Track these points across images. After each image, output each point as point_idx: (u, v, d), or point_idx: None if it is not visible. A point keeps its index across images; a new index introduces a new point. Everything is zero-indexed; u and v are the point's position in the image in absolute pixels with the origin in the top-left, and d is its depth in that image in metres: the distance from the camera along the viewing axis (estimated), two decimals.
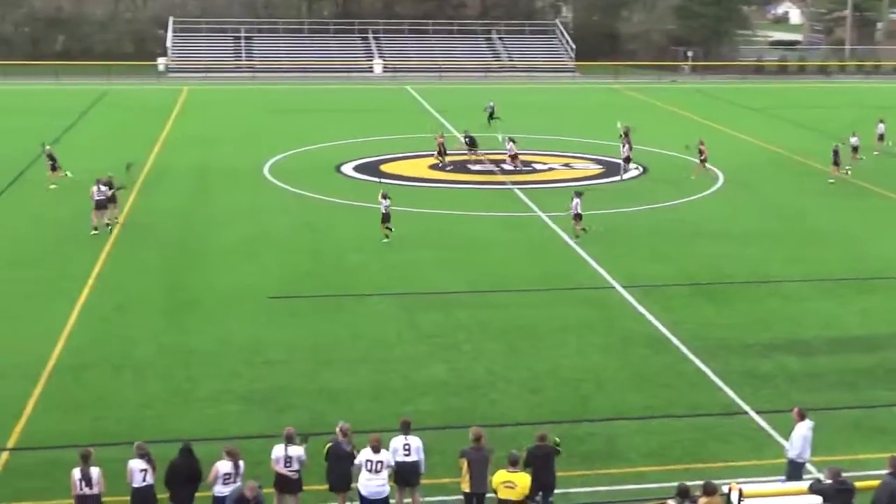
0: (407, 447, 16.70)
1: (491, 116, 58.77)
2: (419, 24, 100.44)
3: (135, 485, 15.84)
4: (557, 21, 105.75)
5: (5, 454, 19.08)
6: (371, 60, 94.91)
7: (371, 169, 46.32)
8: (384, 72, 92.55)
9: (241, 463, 16.07)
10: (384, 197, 33.63)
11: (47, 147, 42.63)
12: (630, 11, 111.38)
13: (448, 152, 47.42)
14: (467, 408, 21.34)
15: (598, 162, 47.86)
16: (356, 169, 46.54)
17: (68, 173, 41.00)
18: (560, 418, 20.79)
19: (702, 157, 44.03)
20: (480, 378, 22.91)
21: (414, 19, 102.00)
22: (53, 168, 41.55)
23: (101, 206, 34.42)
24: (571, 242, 33.87)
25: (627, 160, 44.73)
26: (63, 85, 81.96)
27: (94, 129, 58.58)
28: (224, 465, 15.99)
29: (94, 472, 15.72)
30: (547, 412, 21.13)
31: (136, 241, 33.77)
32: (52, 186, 41.06)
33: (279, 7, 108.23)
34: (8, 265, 31.15)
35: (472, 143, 48.45)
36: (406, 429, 16.88)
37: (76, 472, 15.71)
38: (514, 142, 46.76)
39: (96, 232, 34.24)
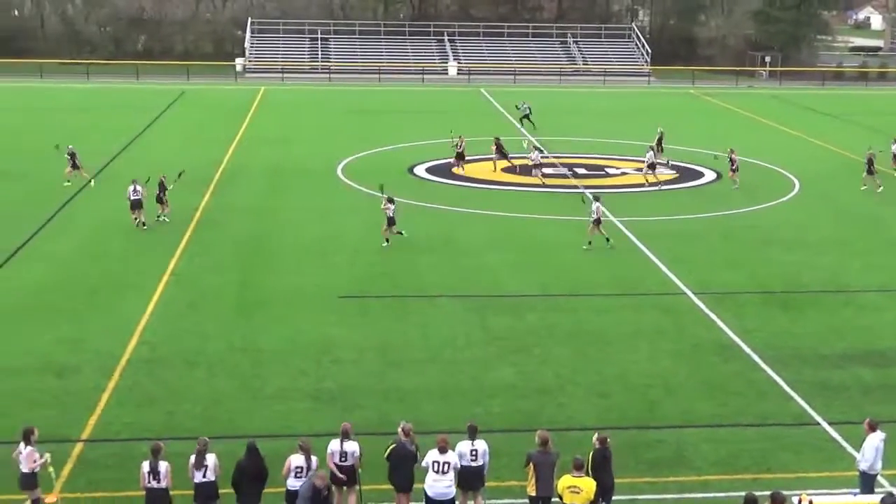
0: (474, 452, 16.68)
1: (526, 117, 58.48)
2: (495, 27, 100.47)
3: (195, 480, 16.11)
4: (633, 25, 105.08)
5: (80, 445, 19.45)
6: (446, 62, 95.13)
7: (443, 171, 46.42)
8: (459, 74, 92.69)
9: (314, 458, 16.23)
10: (389, 201, 33.28)
11: (70, 147, 42.91)
12: (707, 16, 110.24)
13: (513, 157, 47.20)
14: (535, 411, 21.30)
15: (672, 167, 47.44)
16: (429, 171, 46.67)
17: (92, 182, 41.62)
18: (628, 424, 20.68)
19: (732, 167, 43.28)
20: (549, 382, 22.85)
21: (489, 22, 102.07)
22: (74, 166, 42.16)
23: (135, 205, 35.20)
24: (641, 246, 33.65)
25: (653, 167, 43.98)
26: (143, 84, 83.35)
27: (172, 128, 59.46)
28: (296, 459, 16.18)
29: (163, 465, 15.99)
30: (615, 417, 21.02)
31: (210, 239, 34.24)
32: (67, 184, 41.67)
33: (356, 9, 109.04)
34: (86, 259, 31.76)
35: (499, 150, 46.73)
36: (473, 433, 16.85)
37: (145, 466, 15.99)
38: (540, 150, 45.36)
39: (144, 227, 35.21)
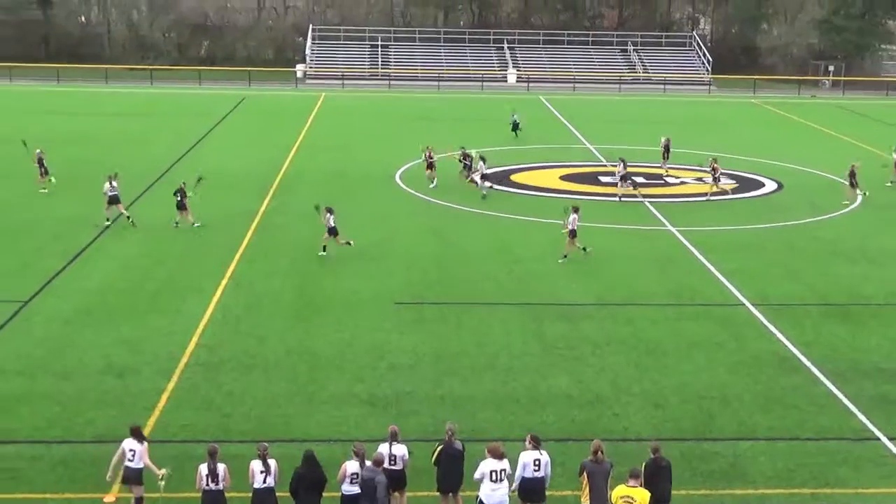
0: (537, 462, 16.57)
1: (515, 127, 58.09)
2: (554, 35, 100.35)
3: (255, 486, 16.20)
4: (694, 33, 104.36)
5: None
6: (505, 70, 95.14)
7: (499, 178, 46.37)
8: (518, 81, 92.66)
9: (369, 463, 16.27)
10: (329, 212, 32.93)
11: (38, 151, 42.72)
12: (770, 24, 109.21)
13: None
14: (590, 421, 21.21)
15: (732, 176, 47.03)
16: (484, 178, 46.56)
17: (52, 179, 41.81)
18: (684, 435, 20.51)
19: (715, 176, 42.78)
20: (604, 391, 22.74)
21: (549, 30, 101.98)
22: (45, 172, 42.08)
23: (112, 201, 36.34)
24: (700, 257, 33.40)
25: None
26: (205, 89, 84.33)
27: (233, 133, 60.08)
28: (352, 465, 16.23)
29: (221, 468, 16.12)
30: (670, 428, 20.87)
31: (269, 243, 34.53)
32: (43, 191, 41.70)
33: (416, 16, 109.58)
34: (148, 261, 32.17)
35: (465, 159, 45.26)
36: (537, 443, 16.75)
37: (203, 468, 16.11)
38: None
39: (108, 223, 36.35)
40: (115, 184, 36.42)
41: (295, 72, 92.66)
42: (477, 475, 16.38)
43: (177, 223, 36.28)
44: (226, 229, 36.19)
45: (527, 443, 16.78)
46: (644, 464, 16.35)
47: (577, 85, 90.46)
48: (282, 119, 66.03)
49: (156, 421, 20.77)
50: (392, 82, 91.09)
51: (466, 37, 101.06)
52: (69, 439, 19.78)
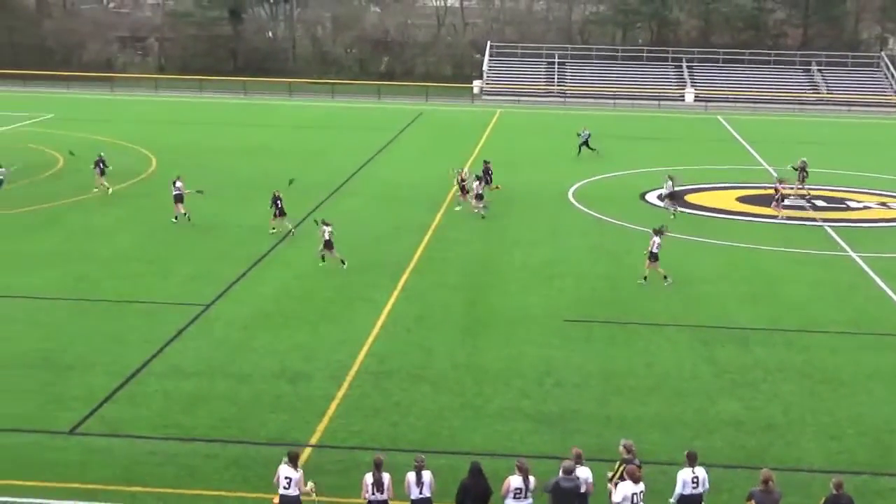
0: (695, 479, 16.44)
1: (585, 145, 56.68)
2: (735, 54, 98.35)
3: (412, 497, 16.42)
4: (883, 54, 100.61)
5: (308, 450, 20.20)
6: (683, 89, 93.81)
7: (676, 198, 45.70)
8: (696, 101, 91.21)
9: (532, 478, 16.29)
10: (324, 223, 33.05)
11: (102, 154, 45.44)
12: None
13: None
14: (760, 448, 20.69)
15: (809, 200, 45.16)
16: (660, 197, 46.10)
17: (106, 184, 44.31)
18: (859, 468, 19.78)
19: (776, 197, 42.41)
20: (776, 419, 22.14)
21: (730, 48, 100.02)
22: (102, 172, 44.56)
23: (177, 199, 39.14)
24: (883, 284, 32.18)
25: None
26: (384, 104, 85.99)
27: (409, 147, 61.06)
28: (515, 480, 16.26)
29: (386, 477, 16.40)
30: (845, 461, 20.15)
31: (440, 256, 34.94)
32: (95, 191, 44.31)
33: (594, 34, 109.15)
34: (322, 271, 32.96)
35: (483, 175, 44.23)
36: (693, 460, 16.59)
37: (369, 477, 16.39)
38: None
39: (175, 220, 39.05)
40: (178, 184, 39.16)
41: (472, 88, 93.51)
42: (617, 498, 16.15)
43: (272, 230, 37.49)
44: (398, 241, 36.80)
45: (685, 460, 16.63)
46: (824, 499, 15.84)
47: (757, 105, 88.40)
48: (457, 134, 66.73)
49: (324, 428, 21.25)
50: (567, 99, 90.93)
51: (644, 55, 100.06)
52: (243, 440, 20.47)
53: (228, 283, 31.25)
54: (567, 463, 16.25)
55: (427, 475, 16.48)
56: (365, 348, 25.84)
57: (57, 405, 22.03)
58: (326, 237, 32.89)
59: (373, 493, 16.34)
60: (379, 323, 27.84)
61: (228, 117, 74.44)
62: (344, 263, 33.00)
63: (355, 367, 24.53)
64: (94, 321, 27.66)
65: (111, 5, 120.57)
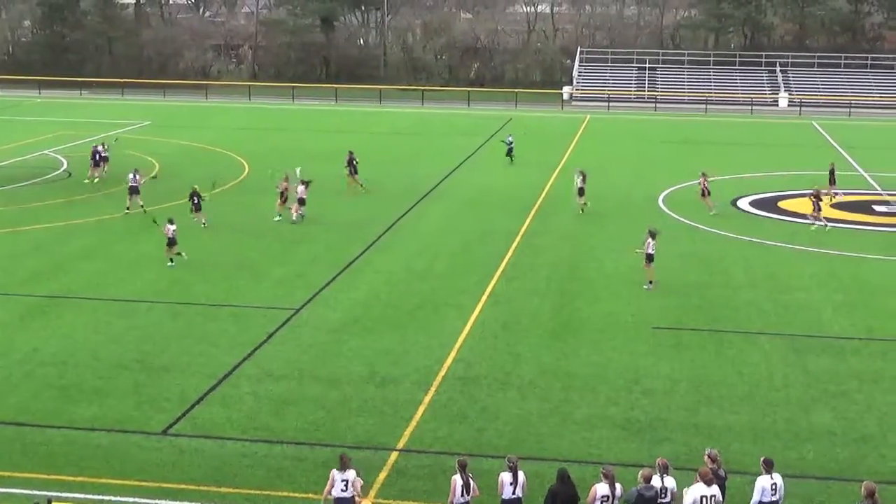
0: (774, 486, 16.19)
1: (509, 153, 55.71)
2: (830, 58, 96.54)
3: (504, 496, 16.40)
4: None
5: (395, 455, 20.31)
6: (776, 94, 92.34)
7: (768, 205, 45.06)
8: (789, 106, 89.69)
9: (619, 486, 16.18)
10: (170, 222, 34.05)
11: (103, 145, 49.04)
12: None
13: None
14: (854, 460, 20.25)
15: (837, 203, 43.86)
16: (752, 204, 45.45)
17: (96, 177, 47.67)
18: None
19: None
20: (871, 430, 21.65)
21: (825, 52, 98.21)
22: (96, 164, 48.64)
23: (133, 191, 41.87)
24: None
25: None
26: (473, 110, 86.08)
27: (498, 153, 60.92)
28: (602, 488, 16.16)
29: (472, 481, 16.43)
30: None
31: (528, 262, 34.88)
32: (86, 181, 47.61)
33: (686, 38, 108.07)
34: (412, 276, 33.16)
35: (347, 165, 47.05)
36: (770, 467, 16.34)
37: (458, 480, 16.42)
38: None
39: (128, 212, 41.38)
40: (136, 176, 41.98)
41: (561, 93, 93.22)
42: (687, 501, 15.92)
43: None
44: (486, 247, 36.83)
45: (762, 467, 16.42)
46: None
47: (852, 110, 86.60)
48: (546, 140, 66.53)
49: (411, 432, 21.35)
50: (658, 105, 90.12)
51: (737, 59, 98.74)
52: (331, 443, 20.65)
53: (318, 288, 31.59)
54: (645, 471, 16.10)
55: (521, 476, 16.51)
56: (452, 353, 25.91)
57: (151, 406, 22.51)
58: (170, 235, 33.99)
59: (462, 496, 16.39)
60: (466, 328, 27.89)
61: (320, 124, 75.31)
62: (183, 255, 34.01)
63: (442, 373, 24.61)
64: (187, 324, 28.19)
65: (207, 14, 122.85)
